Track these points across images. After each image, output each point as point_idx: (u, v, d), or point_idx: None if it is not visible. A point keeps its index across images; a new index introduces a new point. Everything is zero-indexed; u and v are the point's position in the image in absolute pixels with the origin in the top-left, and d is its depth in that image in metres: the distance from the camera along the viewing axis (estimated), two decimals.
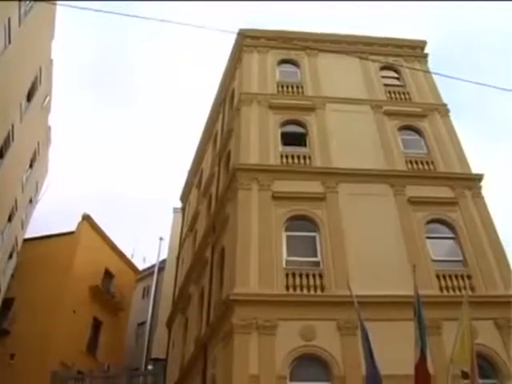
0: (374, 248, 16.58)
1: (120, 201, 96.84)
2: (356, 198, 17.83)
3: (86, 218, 37.70)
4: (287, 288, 15.50)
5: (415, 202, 18.27)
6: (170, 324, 27.93)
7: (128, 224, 73.06)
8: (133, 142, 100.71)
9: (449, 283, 16.59)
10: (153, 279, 39.64)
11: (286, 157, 19.13)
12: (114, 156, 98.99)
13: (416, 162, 19.95)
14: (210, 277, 19.06)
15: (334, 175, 18.42)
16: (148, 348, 35.89)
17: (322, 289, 15.66)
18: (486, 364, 14.60)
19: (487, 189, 19.66)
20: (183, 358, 21.82)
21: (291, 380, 14.05)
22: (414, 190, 18.58)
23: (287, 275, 15.73)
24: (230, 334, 14.63)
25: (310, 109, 20.99)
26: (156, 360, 32.18)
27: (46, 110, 32.49)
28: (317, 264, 16.31)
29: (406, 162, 19.86)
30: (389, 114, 21.47)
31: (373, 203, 17.84)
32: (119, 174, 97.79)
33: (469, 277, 16.87)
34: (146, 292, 41.20)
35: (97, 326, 36.38)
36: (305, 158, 19.22)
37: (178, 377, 21.64)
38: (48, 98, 31.16)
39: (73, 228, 37.03)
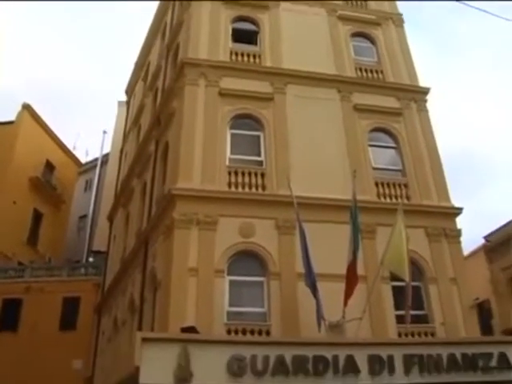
0: (316, 151, 16.81)
1: (62, 92, 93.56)
2: (303, 101, 17.76)
3: (27, 108, 36.51)
4: (229, 185, 15.64)
5: (361, 109, 18.39)
6: (111, 217, 28.02)
7: (71, 116, 71.25)
8: (78, 32, 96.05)
9: (386, 191, 17.16)
10: (95, 173, 39.28)
11: (236, 54, 18.62)
12: (58, 45, 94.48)
13: (365, 70, 19.89)
14: (152, 171, 18.96)
15: (282, 76, 18.15)
16: (89, 241, 36.14)
17: (264, 188, 15.88)
18: (413, 268, 15.37)
19: (432, 103, 20.05)
20: (124, 251, 22.08)
21: (228, 274, 14.49)
22: (361, 98, 18.66)
23: (230, 173, 15.82)
24: (171, 229, 14.79)
25: (264, 7, 20.20)
26: (97, 252, 32.57)
27: None
28: (260, 163, 16.42)
29: (356, 68, 19.76)
30: (343, 18, 21.02)
31: (319, 107, 17.85)
32: (63, 65, 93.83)
33: (406, 186, 17.48)
34: (88, 185, 40.89)
35: (37, 217, 36.20)
36: (255, 56, 18.76)
37: (119, 269, 21.97)
38: None
39: (12, 117, 35.84)
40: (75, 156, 41.95)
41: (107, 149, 39.05)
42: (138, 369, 11.00)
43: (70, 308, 28.77)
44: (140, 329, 15.79)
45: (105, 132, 39.85)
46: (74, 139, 47.62)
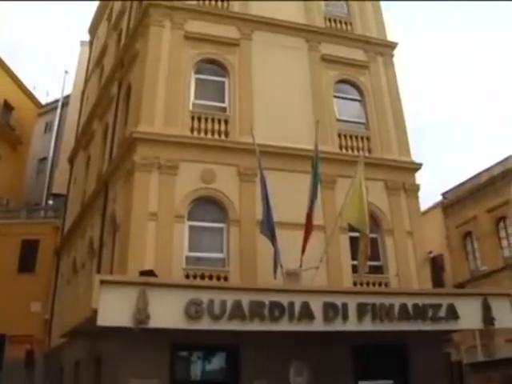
0: (281, 100, 16.66)
1: (22, 29, 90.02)
2: (270, 48, 17.47)
3: None
4: (192, 130, 15.45)
5: (328, 59, 18.26)
6: (71, 160, 27.61)
7: (30, 55, 68.72)
8: None
9: (349, 143, 17.30)
10: (56, 114, 38.20)
11: None
12: None
13: (335, 21, 19.65)
14: (114, 114, 18.58)
15: (250, 22, 17.75)
16: (49, 183, 35.56)
17: (226, 134, 15.75)
18: (370, 219, 15.61)
19: (398, 58, 20.04)
20: (84, 195, 21.88)
21: (188, 219, 14.52)
22: (329, 48, 18.51)
23: (193, 118, 15.61)
24: (131, 172, 14.65)
25: None
26: (57, 195, 32.15)
27: None
28: (223, 110, 16.23)
29: (325, 18, 19.48)
30: None
31: (286, 55, 17.63)
32: (23, 1, 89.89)
33: (368, 139, 17.65)
34: (48, 127, 39.84)
35: None
36: (223, 0, 18.26)
37: (79, 212, 21.80)
38: None
39: None
40: (35, 96, 40.74)
41: (69, 90, 38.01)
42: (95, 311, 10.99)
43: (29, 250, 28.56)
44: (99, 272, 15.78)
45: (66, 72, 38.72)
46: (34, 78, 46.27)
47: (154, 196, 14.28)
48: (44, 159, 38.05)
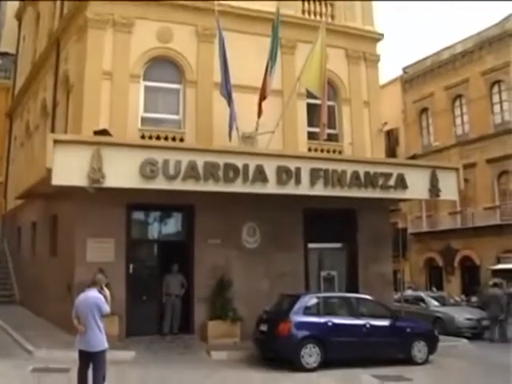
0: None
1: None
2: None
3: None
4: None
5: None
6: (19, 16, 26.04)
7: None
8: None
9: (311, 7, 16.77)
10: None
11: None
12: None
13: None
14: None
15: None
16: None
17: None
18: (328, 87, 15.59)
19: None
20: (35, 54, 20.93)
21: (144, 79, 14.19)
22: None
23: None
24: (84, 29, 13.98)
25: None
26: (5, 54, 30.62)
27: None
28: None
29: None
30: None
31: None
32: None
33: (332, 5, 17.11)
34: None
35: None
36: None
37: (30, 72, 20.90)
38: None
39: None
40: None
41: None
42: (50, 171, 10.92)
43: None
44: (53, 133, 15.48)
45: None
46: None
47: (108, 54, 13.77)
48: None
